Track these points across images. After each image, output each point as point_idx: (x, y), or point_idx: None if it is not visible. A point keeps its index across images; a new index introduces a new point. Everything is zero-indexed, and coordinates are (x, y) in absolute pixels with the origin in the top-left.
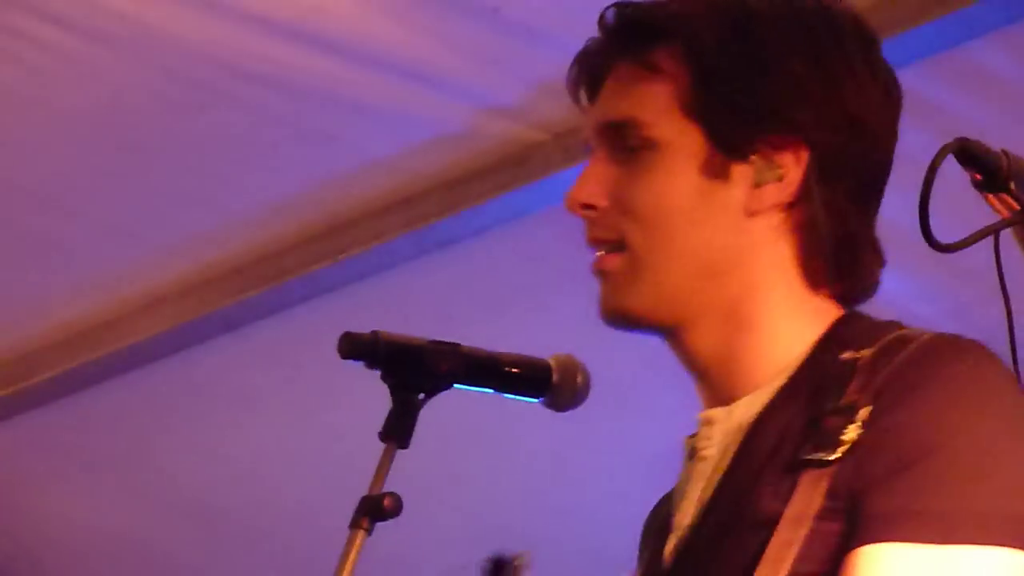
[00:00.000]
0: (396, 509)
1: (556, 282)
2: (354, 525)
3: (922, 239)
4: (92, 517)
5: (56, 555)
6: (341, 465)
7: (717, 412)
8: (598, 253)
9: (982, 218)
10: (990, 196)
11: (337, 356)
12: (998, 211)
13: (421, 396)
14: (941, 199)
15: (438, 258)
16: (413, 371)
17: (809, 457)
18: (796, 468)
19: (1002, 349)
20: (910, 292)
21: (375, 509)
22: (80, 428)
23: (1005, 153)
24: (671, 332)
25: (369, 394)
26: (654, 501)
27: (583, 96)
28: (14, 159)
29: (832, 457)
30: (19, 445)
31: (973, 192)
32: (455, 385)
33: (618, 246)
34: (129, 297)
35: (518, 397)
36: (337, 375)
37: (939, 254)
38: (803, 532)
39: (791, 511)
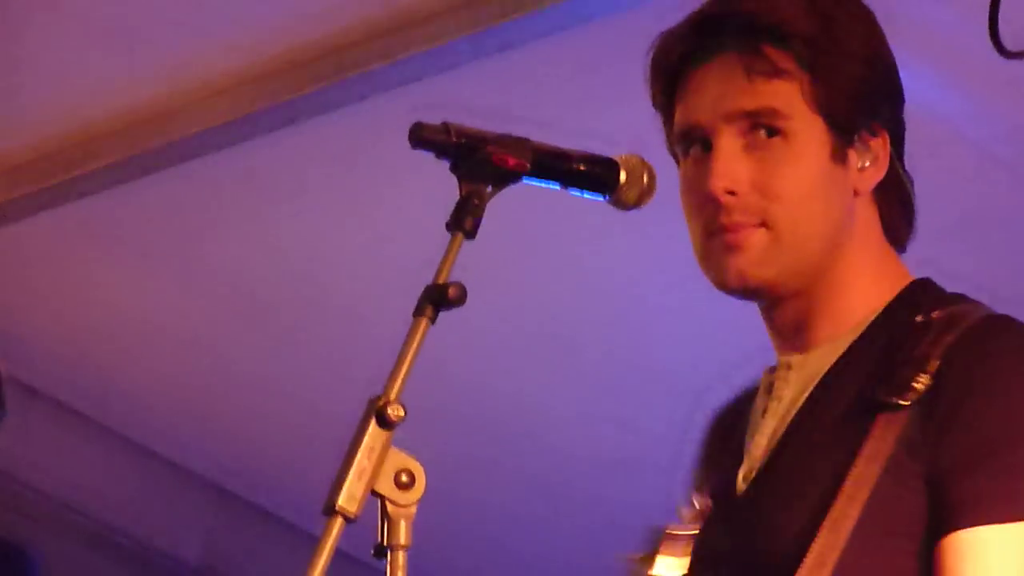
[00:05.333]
0: (461, 298)
1: (614, 91)
2: (418, 313)
3: (979, 57)
4: (142, 305)
5: (105, 341)
6: (392, 262)
7: (795, 358)
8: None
9: None
10: None
11: (391, 155)
12: None
13: (489, 188)
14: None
15: (497, 62)
16: (482, 162)
17: (884, 399)
18: (871, 408)
19: None
20: (965, 112)
21: (440, 297)
22: (134, 217)
23: None
24: (783, 299)
25: (423, 193)
26: (702, 316)
27: (664, 78)
28: None
29: (904, 402)
30: (73, 231)
31: None
32: (523, 179)
33: (759, 225)
34: (189, 87)
35: (584, 194)
36: (391, 173)
37: (995, 74)
38: (876, 471)
39: (867, 449)
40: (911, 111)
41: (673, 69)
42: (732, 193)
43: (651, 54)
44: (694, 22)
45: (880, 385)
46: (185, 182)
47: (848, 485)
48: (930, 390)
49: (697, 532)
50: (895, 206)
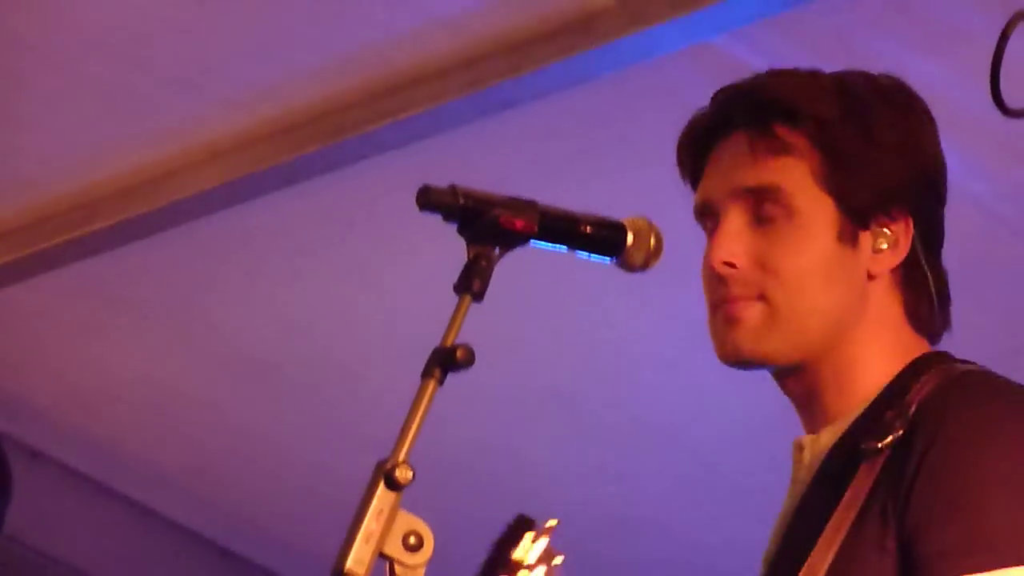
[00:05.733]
0: (469, 360)
1: (615, 148)
2: (426, 375)
3: (981, 117)
4: (144, 367)
5: (107, 403)
6: (391, 322)
7: (806, 439)
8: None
9: None
10: None
11: (392, 215)
12: None
13: (496, 250)
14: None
15: (498, 121)
16: (490, 225)
17: (865, 446)
18: (856, 458)
19: None
20: (965, 170)
21: (448, 360)
22: (135, 278)
23: None
24: (788, 371)
25: (424, 253)
26: (705, 375)
27: (689, 159)
28: (81, 7)
29: (881, 444)
30: (75, 292)
31: None
32: (531, 242)
33: (757, 298)
34: (188, 148)
35: (591, 256)
36: (391, 233)
37: (996, 133)
38: (851, 516)
39: (847, 496)
40: None
41: (699, 145)
42: (732, 266)
43: (680, 134)
44: (714, 101)
45: (866, 435)
46: (185, 243)
47: (827, 531)
48: (903, 436)
49: None
50: (915, 292)
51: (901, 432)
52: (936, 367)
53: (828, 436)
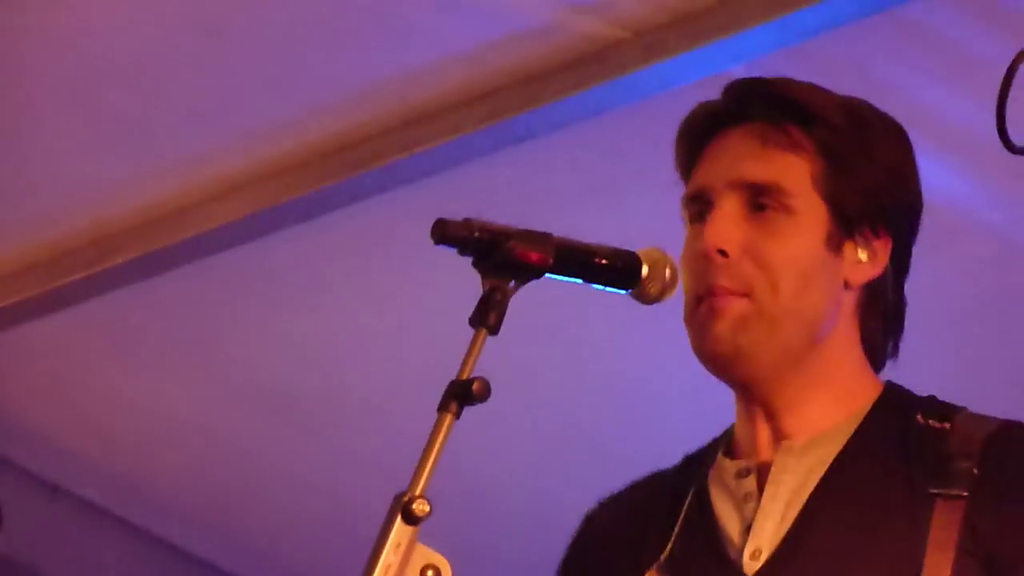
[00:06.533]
0: (485, 394)
1: (631, 180)
2: (442, 408)
3: (995, 145)
4: (163, 401)
5: (127, 437)
6: (409, 355)
7: (796, 444)
8: (716, 298)
9: None
10: None
11: (410, 248)
12: None
13: (512, 283)
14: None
15: (514, 153)
16: (505, 257)
17: (939, 491)
18: (925, 498)
19: None
20: (982, 200)
21: (464, 393)
22: (154, 313)
23: None
24: (757, 382)
25: (443, 286)
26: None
27: (688, 144)
28: (97, 39)
29: (963, 492)
30: (93, 328)
31: None
32: (545, 274)
33: (743, 295)
34: (205, 182)
35: (607, 288)
36: (409, 266)
37: (1011, 161)
38: (951, 555)
39: (935, 535)
40: (929, 199)
41: (699, 134)
42: (724, 254)
43: (683, 119)
44: (727, 90)
45: (931, 480)
46: (203, 278)
47: (927, 570)
48: (979, 478)
49: None
50: (873, 317)
51: (976, 479)
52: (937, 409)
53: (821, 446)
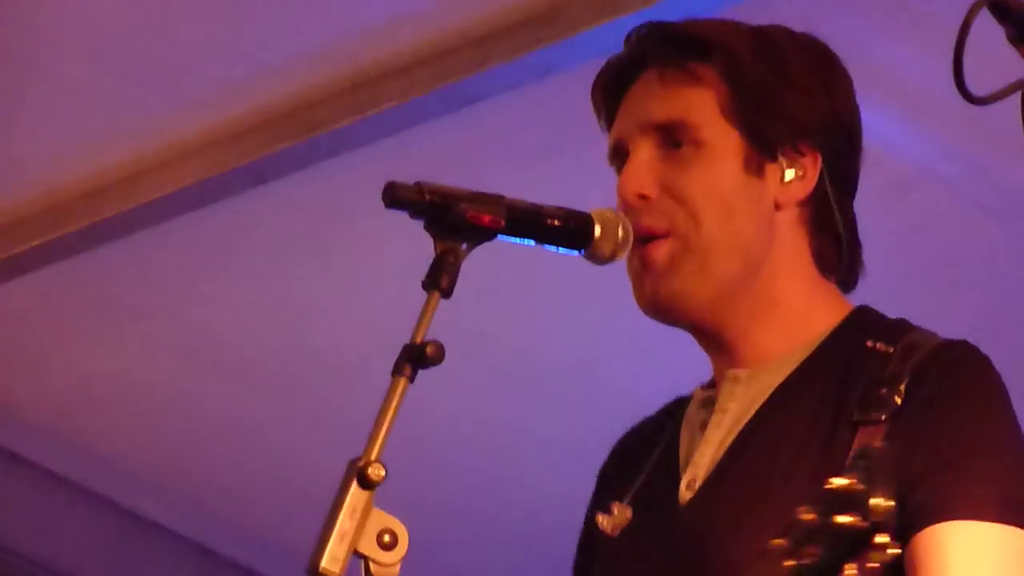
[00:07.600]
0: (439, 357)
1: (584, 141)
2: (396, 372)
3: (949, 99)
4: (121, 368)
5: (85, 405)
6: (367, 316)
7: (743, 372)
8: (644, 247)
9: (1015, 77)
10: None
11: (364, 210)
12: None
13: (464, 246)
14: (973, 57)
15: (466, 115)
16: (456, 220)
17: (862, 418)
18: (850, 426)
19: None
20: (935, 152)
21: (418, 356)
22: (109, 280)
23: None
24: (701, 320)
25: (398, 248)
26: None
27: (603, 100)
28: (45, 7)
29: (881, 416)
30: (48, 296)
31: (1005, 51)
32: (498, 236)
33: (665, 235)
34: (158, 148)
35: (559, 249)
36: (364, 228)
37: (964, 114)
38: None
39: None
40: (883, 154)
41: (612, 89)
42: (644, 198)
43: (594, 79)
44: (627, 40)
45: (857, 407)
46: (157, 243)
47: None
48: (901, 405)
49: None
50: (821, 232)
51: (899, 403)
52: (897, 332)
53: (768, 373)
